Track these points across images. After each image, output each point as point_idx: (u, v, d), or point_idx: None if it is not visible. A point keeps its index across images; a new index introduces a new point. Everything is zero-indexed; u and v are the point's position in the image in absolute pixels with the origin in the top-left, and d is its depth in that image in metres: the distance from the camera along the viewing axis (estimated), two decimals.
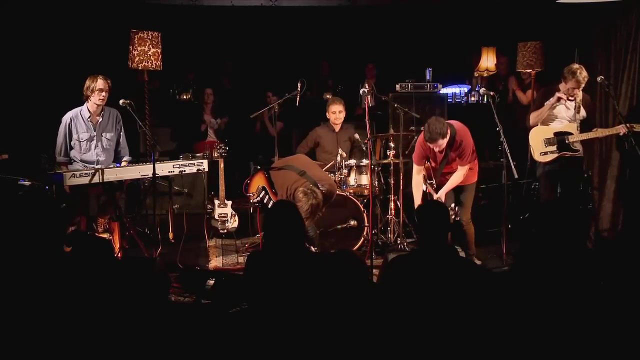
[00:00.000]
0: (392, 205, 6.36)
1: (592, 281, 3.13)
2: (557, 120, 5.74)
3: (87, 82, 5.45)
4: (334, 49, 8.75)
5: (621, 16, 6.18)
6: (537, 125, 5.73)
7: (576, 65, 5.62)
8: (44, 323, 3.52)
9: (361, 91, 5.42)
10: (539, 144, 5.71)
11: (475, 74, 8.70)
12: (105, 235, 5.67)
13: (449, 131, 5.14)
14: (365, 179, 6.18)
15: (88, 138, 5.49)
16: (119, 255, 5.46)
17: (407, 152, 6.59)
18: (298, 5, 7.89)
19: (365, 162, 6.17)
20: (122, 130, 5.70)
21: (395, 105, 6.45)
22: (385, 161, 6.45)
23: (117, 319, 3.62)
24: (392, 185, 6.36)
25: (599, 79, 5.61)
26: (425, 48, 8.54)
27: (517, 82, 7.53)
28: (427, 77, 7.38)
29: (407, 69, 7.84)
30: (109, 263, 4.56)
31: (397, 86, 7.30)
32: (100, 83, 5.41)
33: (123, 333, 3.51)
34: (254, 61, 9.23)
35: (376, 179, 6.30)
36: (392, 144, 6.31)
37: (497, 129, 5.41)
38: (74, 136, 5.45)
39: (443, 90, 7.64)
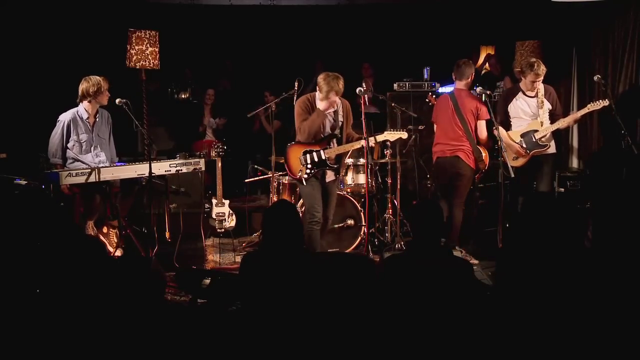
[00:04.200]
0: (389, 204, 6.36)
1: (585, 281, 3.12)
2: (521, 117, 5.75)
3: (93, 86, 5.41)
4: (332, 48, 8.75)
5: (619, 16, 6.17)
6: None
7: (534, 59, 5.68)
8: (40, 322, 3.52)
9: (357, 90, 5.42)
10: (509, 149, 5.73)
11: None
12: (112, 236, 5.68)
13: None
14: (362, 178, 6.17)
15: (87, 139, 5.48)
16: (116, 254, 5.46)
17: (404, 152, 6.59)
18: (296, 4, 7.90)
19: (362, 161, 6.17)
20: (111, 132, 5.71)
21: (393, 104, 6.44)
22: (382, 160, 6.45)
23: (113, 318, 3.62)
24: (389, 184, 6.36)
25: (596, 78, 5.61)
26: (424, 47, 8.54)
27: (511, 82, 7.51)
28: (425, 76, 7.39)
29: (406, 68, 7.84)
30: (105, 263, 4.57)
31: (395, 85, 7.30)
32: (106, 84, 5.43)
33: (119, 332, 3.51)
34: (252, 60, 9.23)
35: (373, 178, 6.30)
36: (389, 143, 6.30)
37: (494, 128, 5.42)
38: (73, 137, 5.43)
39: (441, 89, 7.63)
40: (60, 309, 3.63)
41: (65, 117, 5.44)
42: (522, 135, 5.70)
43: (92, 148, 5.52)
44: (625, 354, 2.97)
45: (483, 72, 8.57)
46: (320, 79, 5.13)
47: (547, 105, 5.69)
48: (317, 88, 5.16)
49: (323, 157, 5.20)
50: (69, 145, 5.43)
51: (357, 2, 7.95)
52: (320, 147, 5.23)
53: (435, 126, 6.10)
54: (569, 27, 7.03)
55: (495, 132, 5.42)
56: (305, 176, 5.19)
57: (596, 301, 3.13)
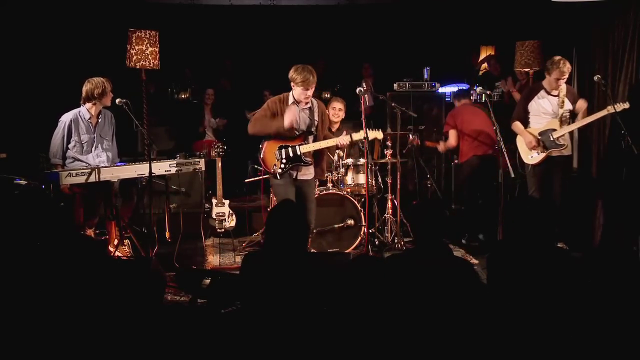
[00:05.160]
0: (389, 204, 6.36)
1: (579, 281, 3.13)
2: (541, 116, 5.74)
3: (97, 87, 5.40)
4: (332, 47, 8.76)
5: (619, 16, 6.17)
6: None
7: (558, 57, 5.64)
8: (40, 322, 3.52)
9: (357, 90, 5.41)
10: (525, 144, 5.73)
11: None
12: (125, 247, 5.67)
13: None
14: (362, 178, 6.17)
15: (88, 140, 5.47)
16: (115, 254, 5.46)
17: (404, 152, 6.60)
18: (296, 4, 7.91)
19: (362, 161, 6.16)
20: (114, 133, 5.71)
21: (393, 104, 6.45)
22: (382, 160, 6.44)
23: (113, 318, 3.62)
24: (389, 184, 6.36)
25: (596, 78, 5.61)
26: (424, 47, 8.54)
27: (513, 82, 7.50)
28: (425, 76, 7.39)
29: (406, 68, 7.84)
30: (105, 263, 4.57)
31: (395, 85, 7.31)
32: (110, 85, 5.44)
33: (119, 332, 3.51)
34: (252, 60, 9.23)
35: (373, 179, 6.30)
36: (389, 143, 6.30)
37: (494, 128, 5.41)
38: (74, 138, 5.42)
39: (441, 89, 7.65)
40: (61, 309, 3.64)
41: (66, 118, 5.43)
42: (540, 134, 5.69)
43: (93, 148, 5.51)
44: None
45: (482, 72, 8.57)
46: (292, 71, 5.10)
47: (568, 106, 5.68)
48: (291, 83, 5.12)
49: (298, 153, 5.19)
50: (70, 145, 5.43)
51: (357, 2, 7.95)
52: (296, 143, 5.22)
53: (451, 132, 6.47)
54: (569, 27, 7.02)
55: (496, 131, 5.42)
56: (280, 171, 5.18)
57: (590, 302, 3.14)
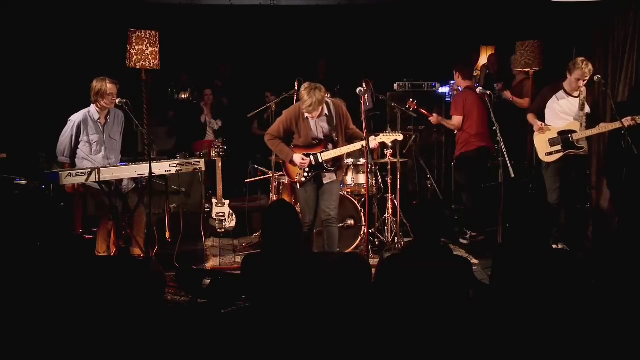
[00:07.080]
0: (389, 204, 6.36)
1: (582, 281, 3.13)
2: (562, 117, 5.74)
3: (96, 86, 5.35)
4: (332, 47, 8.77)
5: (619, 16, 6.17)
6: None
7: (581, 58, 5.64)
8: (39, 322, 3.52)
9: (357, 90, 5.41)
10: (544, 144, 5.74)
11: (474, 73, 8.70)
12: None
13: None
14: (362, 178, 6.16)
15: (98, 140, 5.45)
16: (116, 254, 5.45)
17: (404, 152, 6.59)
18: (296, 4, 7.92)
19: (362, 161, 6.16)
20: (122, 132, 5.69)
21: (393, 104, 6.45)
22: (383, 160, 6.44)
23: (114, 318, 3.63)
24: (389, 184, 6.36)
25: (596, 78, 5.61)
26: (424, 47, 8.55)
27: (509, 92, 7.39)
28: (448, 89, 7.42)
29: (406, 68, 7.84)
30: (105, 263, 4.57)
31: (395, 85, 7.30)
32: (109, 87, 5.36)
33: (119, 332, 3.51)
34: (252, 60, 9.24)
35: (373, 179, 6.29)
36: (389, 143, 6.29)
37: (494, 128, 5.41)
38: (84, 138, 5.39)
39: (441, 89, 7.65)
40: (61, 309, 3.64)
41: (76, 118, 5.37)
42: (560, 133, 5.70)
43: (103, 149, 5.48)
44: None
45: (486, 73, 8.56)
46: (302, 90, 5.04)
47: (587, 109, 5.69)
48: (300, 98, 5.07)
49: (320, 160, 5.19)
50: (80, 145, 5.39)
51: (357, 2, 7.96)
52: (318, 150, 5.21)
53: (459, 119, 6.43)
54: (569, 27, 7.02)
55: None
56: (303, 179, 5.19)
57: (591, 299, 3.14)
